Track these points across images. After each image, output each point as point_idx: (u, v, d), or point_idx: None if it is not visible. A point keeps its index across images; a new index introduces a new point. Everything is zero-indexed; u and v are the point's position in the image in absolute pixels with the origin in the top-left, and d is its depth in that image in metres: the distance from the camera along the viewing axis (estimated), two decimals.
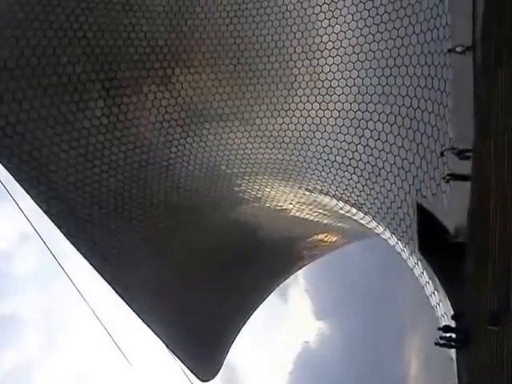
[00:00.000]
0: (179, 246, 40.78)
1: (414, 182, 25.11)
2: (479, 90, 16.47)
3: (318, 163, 32.14)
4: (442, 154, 21.16)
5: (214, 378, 51.15)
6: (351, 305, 78.49)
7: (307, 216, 40.56)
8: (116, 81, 32.16)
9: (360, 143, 28.74)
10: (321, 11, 29.85)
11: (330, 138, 30.78)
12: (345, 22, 28.71)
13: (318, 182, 32.79)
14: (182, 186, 36.92)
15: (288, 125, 32.38)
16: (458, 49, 19.07)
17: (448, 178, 20.51)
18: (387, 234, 29.59)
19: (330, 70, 29.74)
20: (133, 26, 32.38)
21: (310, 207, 37.98)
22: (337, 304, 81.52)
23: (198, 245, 41.55)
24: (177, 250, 40.73)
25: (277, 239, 45.73)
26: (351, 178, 30.44)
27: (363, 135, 28.47)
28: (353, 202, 31.25)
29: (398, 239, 27.83)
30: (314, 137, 31.50)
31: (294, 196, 36.95)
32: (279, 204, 39.07)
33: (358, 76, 28.22)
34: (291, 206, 38.83)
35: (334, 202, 33.29)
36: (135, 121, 33.22)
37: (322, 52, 29.99)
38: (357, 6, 27.90)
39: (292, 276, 56.87)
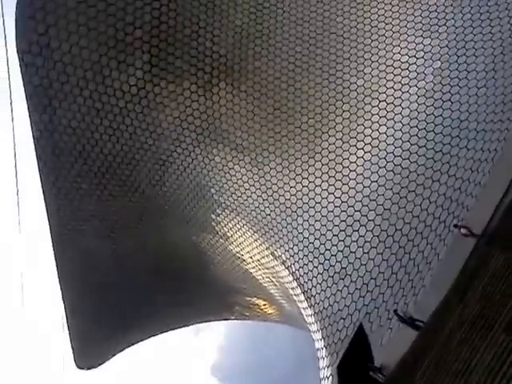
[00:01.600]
0: (131, 238, 40.46)
1: (369, 305, 25.00)
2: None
3: (295, 236, 32.07)
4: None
5: (87, 369, 50.70)
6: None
7: (258, 277, 40.31)
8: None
9: (344, 242, 28.72)
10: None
11: (317, 221, 30.78)
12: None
13: (287, 253, 32.65)
14: (167, 187, 36.79)
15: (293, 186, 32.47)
16: (463, 230, 19.42)
17: (401, 317, 20.50)
18: (318, 336, 29.29)
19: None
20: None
21: (266, 271, 37.73)
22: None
23: (147, 247, 41.24)
24: (127, 242, 40.47)
25: (219, 280, 45.35)
26: (315, 266, 30.34)
27: (350, 236, 28.46)
28: (305, 289, 31.05)
29: (325, 346, 27.52)
30: (306, 212, 31.51)
31: (258, 253, 36.73)
32: (241, 252, 38.83)
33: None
34: (250, 259, 38.59)
35: (290, 279, 33.07)
36: (160, 115, 33.46)
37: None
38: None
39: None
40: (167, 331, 54.65)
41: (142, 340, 54.05)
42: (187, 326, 55.18)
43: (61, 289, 41.66)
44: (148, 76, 32.76)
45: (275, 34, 33.85)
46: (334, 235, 29.22)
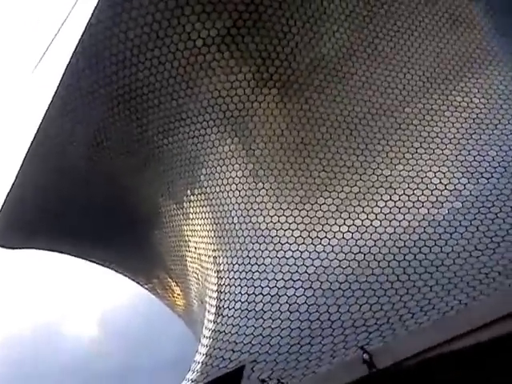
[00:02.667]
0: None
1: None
2: None
3: (243, 263, 32.02)
4: None
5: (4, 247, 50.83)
6: None
7: (189, 268, 40.22)
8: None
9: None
10: None
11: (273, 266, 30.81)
12: None
13: (226, 266, 32.70)
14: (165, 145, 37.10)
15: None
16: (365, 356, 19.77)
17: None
18: (203, 350, 29.38)
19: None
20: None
21: (199, 268, 37.68)
22: None
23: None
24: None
25: (157, 247, 45.15)
26: (241, 301, 30.32)
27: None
28: (220, 307, 31.09)
29: (204, 362, 27.89)
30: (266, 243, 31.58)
31: (204, 248, 36.66)
32: (190, 237, 38.71)
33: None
34: (194, 249, 38.52)
35: (214, 289, 33.12)
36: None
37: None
38: None
39: None
40: (85, 259, 54.27)
41: (62, 252, 53.64)
42: (104, 266, 54.76)
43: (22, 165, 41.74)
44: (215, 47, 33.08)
45: (340, 79, 34.29)
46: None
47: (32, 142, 40.45)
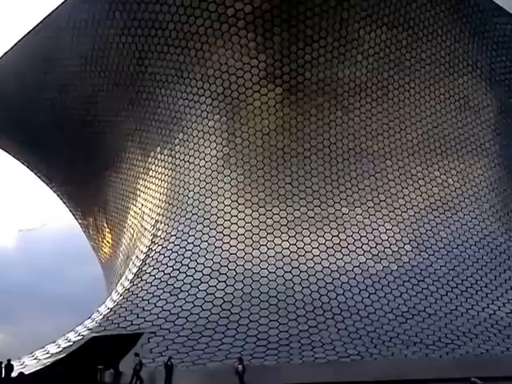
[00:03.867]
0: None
1: None
2: None
3: (181, 245, 32.25)
4: None
5: None
6: None
7: (129, 220, 39.96)
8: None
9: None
10: None
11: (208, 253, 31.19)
12: None
13: (164, 242, 32.76)
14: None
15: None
16: None
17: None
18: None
19: None
20: None
21: (137, 224, 37.63)
22: None
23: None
24: None
25: (109, 180, 43.90)
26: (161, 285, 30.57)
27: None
28: (142, 271, 31.29)
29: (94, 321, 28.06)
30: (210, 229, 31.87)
31: (151, 209, 36.53)
32: (146, 190, 38.06)
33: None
34: (141, 205, 38.30)
35: (144, 251, 33.29)
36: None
37: None
38: None
39: None
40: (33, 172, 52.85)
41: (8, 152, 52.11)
42: (49, 185, 53.41)
43: None
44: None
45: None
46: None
47: None
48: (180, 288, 28.57)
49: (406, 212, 33.11)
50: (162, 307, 27.81)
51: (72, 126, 42.97)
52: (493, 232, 34.60)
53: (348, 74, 34.47)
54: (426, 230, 32.82)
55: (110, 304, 30.04)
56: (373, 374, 22.08)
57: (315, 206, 31.98)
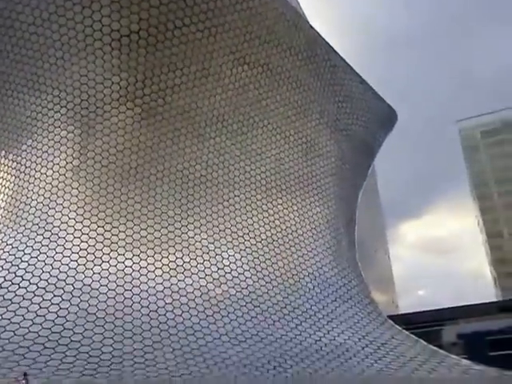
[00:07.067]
0: None
1: None
2: None
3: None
4: None
5: None
6: None
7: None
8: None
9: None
10: None
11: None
12: None
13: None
14: None
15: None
16: None
17: None
18: None
19: None
20: None
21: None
22: None
23: None
24: None
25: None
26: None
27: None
28: None
29: None
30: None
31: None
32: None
33: None
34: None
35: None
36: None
37: None
38: None
39: None
40: None
41: None
42: None
43: None
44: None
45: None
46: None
47: None
48: (11, 300, 26.99)
49: (248, 241, 34.85)
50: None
51: None
52: (325, 265, 37.74)
53: (207, 105, 35.80)
54: (266, 259, 34.78)
55: None
56: None
57: (162, 228, 32.33)
